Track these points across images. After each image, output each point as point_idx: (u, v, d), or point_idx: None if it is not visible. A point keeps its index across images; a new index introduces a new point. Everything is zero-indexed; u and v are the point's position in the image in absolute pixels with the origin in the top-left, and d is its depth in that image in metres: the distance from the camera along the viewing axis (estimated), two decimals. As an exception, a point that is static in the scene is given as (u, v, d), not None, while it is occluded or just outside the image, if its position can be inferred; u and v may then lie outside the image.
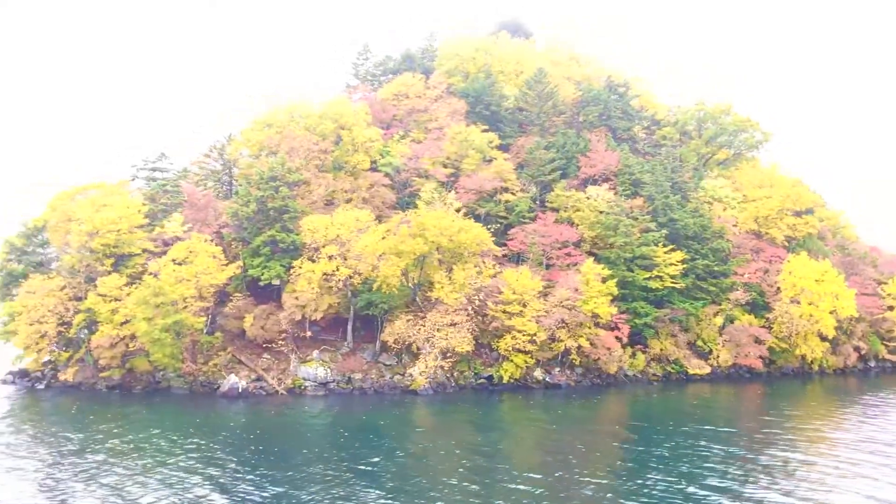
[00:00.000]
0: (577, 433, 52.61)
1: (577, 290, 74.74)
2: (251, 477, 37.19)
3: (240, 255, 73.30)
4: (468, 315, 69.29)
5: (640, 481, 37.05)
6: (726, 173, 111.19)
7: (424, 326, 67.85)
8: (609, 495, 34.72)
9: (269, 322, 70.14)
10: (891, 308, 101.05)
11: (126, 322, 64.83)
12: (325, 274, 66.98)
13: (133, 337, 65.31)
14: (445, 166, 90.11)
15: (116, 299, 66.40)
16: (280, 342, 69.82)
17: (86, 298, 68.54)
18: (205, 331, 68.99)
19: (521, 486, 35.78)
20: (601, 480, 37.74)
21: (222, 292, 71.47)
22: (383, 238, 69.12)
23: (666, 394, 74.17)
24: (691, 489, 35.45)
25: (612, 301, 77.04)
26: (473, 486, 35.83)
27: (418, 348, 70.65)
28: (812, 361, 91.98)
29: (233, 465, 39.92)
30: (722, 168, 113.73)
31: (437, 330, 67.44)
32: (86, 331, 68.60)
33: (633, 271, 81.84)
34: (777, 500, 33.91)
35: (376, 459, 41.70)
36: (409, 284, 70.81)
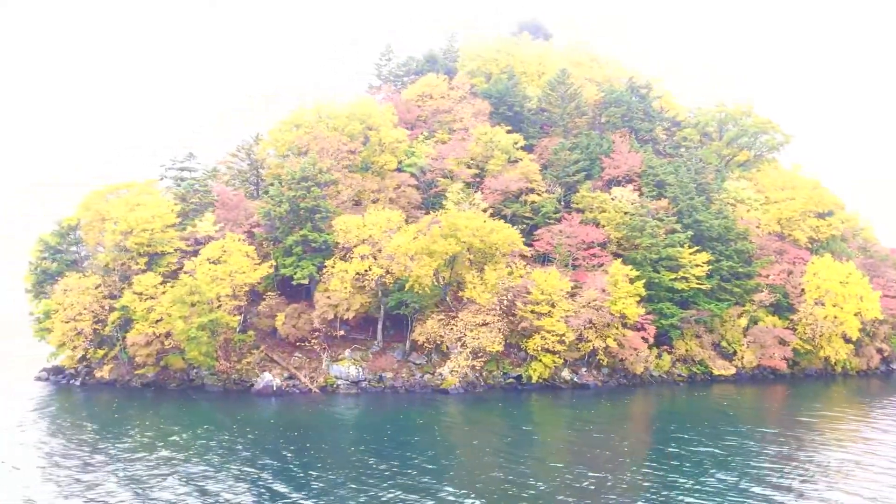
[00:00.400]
0: (618, 432, 53.03)
1: (604, 290, 75.15)
2: (313, 472, 37.82)
3: (271, 254, 73.81)
4: (498, 315, 69.61)
5: (701, 478, 37.57)
6: (747, 175, 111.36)
7: (457, 326, 68.18)
8: (674, 493, 35.13)
9: (301, 321, 70.70)
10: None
11: (161, 320, 65.34)
12: (357, 274, 67.39)
13: (168, 335, 65.89)
14: (470, 167, 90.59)
15: (151, 297, 66.96)
16: (314, 341, 70.31)
17: (121, 297, 69.18)
18: (237, 329, 69.46)
19: (583, 484, 36.22)
20: (658, 476, 38.16)
21: (253, 291, 72.02)
22: (414, 238, 69.56)
23: (694, 394, 74.44)
24: (755, 488, 35.90)
25: (639, 302, 77.36)
26: (532, 481, 36.27)
27: (448, 348, 71.17)
28: (835, 363, 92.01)
29: (294, 461, 40.61)
30: (743, 170, 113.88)
31: (470, 329, 67.82)
32: (119, 329, 69.10)
33: (658, 272, 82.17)
34: (842, 500, 34.27)
35: (431, 453, 42.22)
36: (440, 284, 71.17)
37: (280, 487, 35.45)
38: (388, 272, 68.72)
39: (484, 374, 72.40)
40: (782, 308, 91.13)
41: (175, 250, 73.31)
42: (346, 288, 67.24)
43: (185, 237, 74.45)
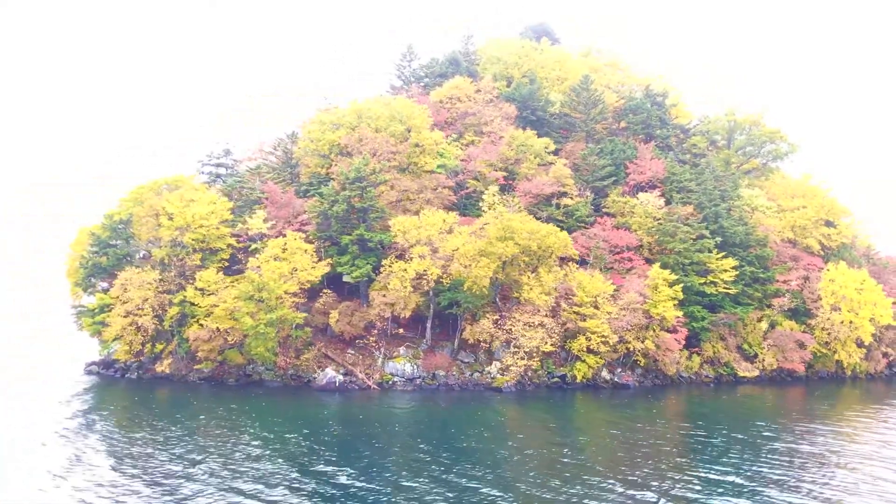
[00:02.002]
0: (685, 428, 55.34)
1: (642, 293, 77.64)
2: (419, 465, 39.37)
3: (321, 252, 74.68)
4: (550, 316, 71.67)
5: (788, 473, 40.00)
6: (756, 183, 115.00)
7: (515, 326, 70.01)
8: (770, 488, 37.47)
9: (354, 318, 71.91)
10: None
11: (226, 316, 66.15)
12: (417, 273, 68.88)
13: (228, 331, 66.65)
14: (499, 170, 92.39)
15: (212, 294, 67.64)
16: (372, 339, 71.78)
17: (177, 292, 69.78)
18: (293, 325, 70.44)
19: (675, 474, 38.40)
20: (749, 469, 40.53)
21: (309, 288, 73.02)
22: (469, 240, 71.28)
23: (728, 394, 77.62)
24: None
25: (675, 306, 79.96)
26: (612, 475, 38.36)
27: (498, 347, 73.05)
28: (847, 366, 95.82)
29: (395, 455, 42.08)
30: (751, 178, 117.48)
31: (526, 329, 69.73)
32: (177, 324, 69.68)
33: (688, 276, 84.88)
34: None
35: (514, 448, 44.03)
36: (495, 285, 72.98)
37: (398, 478, 36.96)
38: (446, 273, 70.25)
39: (529, 373, 74.35)
40: (799, 313, 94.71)
41: (227, 246, 74.04)
42: (406, 287, 68.66)
43: (236, 233, 75.14)
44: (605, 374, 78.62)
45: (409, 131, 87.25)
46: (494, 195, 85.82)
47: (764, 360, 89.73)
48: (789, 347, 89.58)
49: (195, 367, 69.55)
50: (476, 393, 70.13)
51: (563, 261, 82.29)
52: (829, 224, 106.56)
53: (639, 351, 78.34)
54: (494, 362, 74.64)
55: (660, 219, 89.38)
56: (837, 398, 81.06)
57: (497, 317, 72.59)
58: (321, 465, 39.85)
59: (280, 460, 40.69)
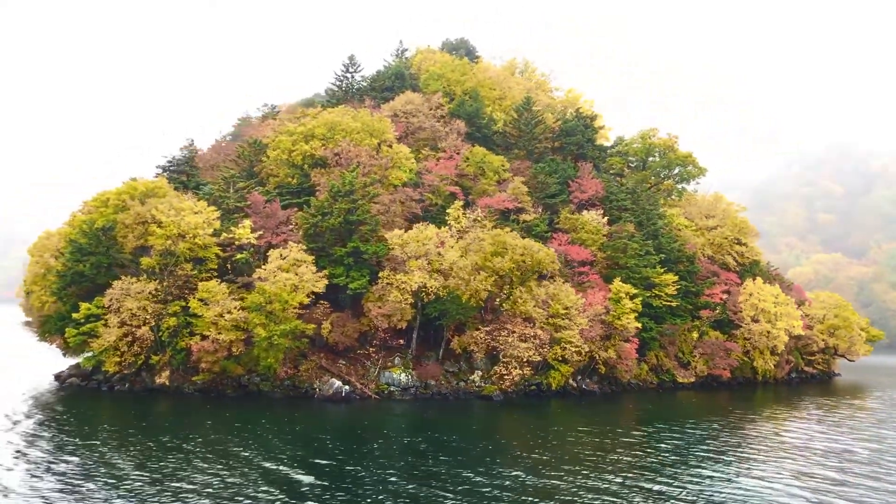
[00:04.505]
0: (690, 427, 60.98)
1: (605, 306, 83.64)
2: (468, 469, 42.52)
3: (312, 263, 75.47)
4: (540, 327, 76.02)
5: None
6: (671, 202, 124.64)
7: (510, 337, 73.77)
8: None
9: (347, 329, 73.38)
10: (810, 328, 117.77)
11: (234, 327, 66.09)
12: (418, 286, 71.36)
13: (232, 341, 66.52)
14: (454, 184, 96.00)
15: (213, 304, 67.19)
16: (371, 349, 73.54)
17: (172, 301, 68.83)
18: (298, 336, 70.91)
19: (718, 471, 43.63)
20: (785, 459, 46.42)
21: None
22: (462, 255, 74.55)
23: (671, 398, 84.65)
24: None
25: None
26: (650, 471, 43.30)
27: (482, 357, 76.68)
28: (762, 372, 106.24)
29: (441, 461, 44.85)
30: (664, 197, 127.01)
31: (520, 340, 73.73)
32: (172, 334, 68.67)
33: (637, 290, 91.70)
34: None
35: (545, 446, 48.01)
36: (487, 298, 76.60)
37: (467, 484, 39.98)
38: (443, 285, 73.07)
39: (514, 382, 78.34)
40: (723, 324, 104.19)
41: (214, 256, 73.52)
42: (406, 299, 70.99)
43: (220, 243, 74.64)
44: (570, 381, 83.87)
45: (380, 145, 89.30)
46: (459, 209, 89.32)
47: (696, 367, 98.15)
48: (718, 355, 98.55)
49: (192, 378, 68.76)
50: (468, 401, 73.41)
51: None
52: (739, 242, 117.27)
53: (601, 360, 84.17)
54: (476, 371, 78.17)
55: (607, 235, 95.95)
56: (759, 400, 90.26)
57: (489, 328, 76.09)
58: (439, 467, 41.56)
59: (392, 470, 42.09)
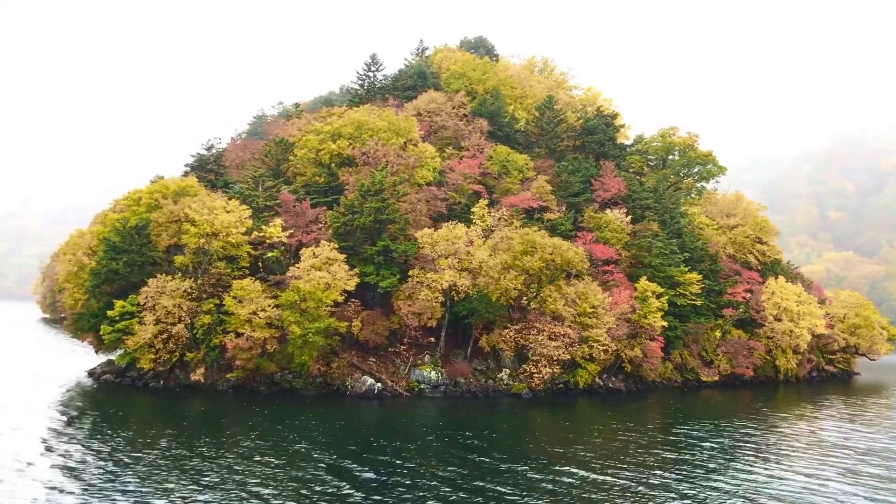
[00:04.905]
0: (726, 426, 61.22)
1: (632, 304, 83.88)
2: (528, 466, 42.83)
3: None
4: (570, 326, 76.30)
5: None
6: (692, 201, 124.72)
7: (540, 335, 74.08)
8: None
9: (377, 327, 73.78)
10: (831, 326, 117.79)
11: (269, 325, 66.55)
12: (449, 285, 71.71)
13: (266, 339, 66.93)
14: (478, 183, 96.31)
15: (248, 302, 67.61)
16: (403, 347, 73.97)
17: (206, 299, 69.34)
18: (332, 334, 71.27)
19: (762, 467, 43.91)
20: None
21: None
22: (491, 254, 74.88)
23: (710, 396, 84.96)
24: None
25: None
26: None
27: (510, 355, 77.02)
28: (784, 371, 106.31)
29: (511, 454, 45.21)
30: (684, 196, 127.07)
31: (551, 339, 74.05)
32: (207, 332, 69.16)
33: (663, 289, 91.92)
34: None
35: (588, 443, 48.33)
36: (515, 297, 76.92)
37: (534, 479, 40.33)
38: (474, 284, 73.43)
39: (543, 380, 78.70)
40: (746, 323, 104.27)
41: (246, 254, 73.99)
42: (436, 297, 71.38)
43: (251, 241, 75.05)
44: (597, 380, 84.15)
45: (406, 144, 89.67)
46: (484, 208, 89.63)
47: (719, 365, 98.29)
48: (741, 354, 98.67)
49: (226, 375, 69.26)
50: (498, 399, 73.81)
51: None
52: (760, 241, 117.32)
53: (627, 358, 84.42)
54: (504, 369, 78.53)
55: (630, 234, 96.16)
56: (784, 398, 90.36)
57: (518, 326, 76.38)
58: (491, 462, 41.86)
59: (459, 466, 42.48)
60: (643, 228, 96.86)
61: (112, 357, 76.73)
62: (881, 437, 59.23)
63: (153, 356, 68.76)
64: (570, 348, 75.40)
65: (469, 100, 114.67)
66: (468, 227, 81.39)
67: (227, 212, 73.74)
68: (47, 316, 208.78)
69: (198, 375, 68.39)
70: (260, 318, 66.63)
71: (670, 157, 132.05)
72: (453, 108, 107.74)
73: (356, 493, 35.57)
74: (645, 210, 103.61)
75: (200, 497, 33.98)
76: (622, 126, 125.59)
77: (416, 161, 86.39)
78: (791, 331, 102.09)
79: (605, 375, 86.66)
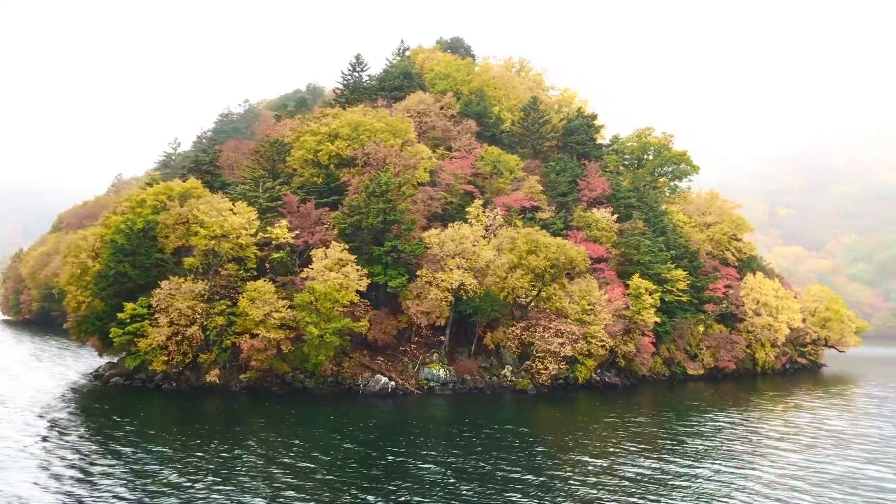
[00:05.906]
0: (735, 415, 63.86)
1: (625, 301, 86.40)
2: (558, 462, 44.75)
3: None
4: (572, 322, 78.34)
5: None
6: (666, 199, 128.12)
7: (547, 332, 75.94)
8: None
9: (386, 326, 74.89)
10: (803, 320, 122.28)
11: (283, 326, 67.16)
12: (457, 284, 73.11)
13: (281, 339, 67.48)
14: (468, 183, 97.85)
15: (262, 303, 68.04)
16: (413, 346, 75.15)
17: (219, 301, 69.57)
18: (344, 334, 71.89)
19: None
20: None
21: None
22: (496, 253, 76.54)
23: (698, 388, 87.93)
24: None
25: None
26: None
27: (514, 352, 78.83)
28: (762, 364, 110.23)
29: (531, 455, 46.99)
30: (660, 195, 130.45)
31: (556, 336, 75.99)
32: (219, 333, 69.37)
33: (652, 285, 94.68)
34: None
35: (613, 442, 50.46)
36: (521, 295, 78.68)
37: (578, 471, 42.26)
38: (481, 283, 74.95)
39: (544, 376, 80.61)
40: (726, 317, 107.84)
41: (253, 255, 74.31)
42: (445, 297, 72.74)
43: (257, 242, 75.35)
44: (594, 375, 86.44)
45: (403, 145, 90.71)
46: (478, 208, 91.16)
47: (703, 359, 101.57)
48: (723, 348, 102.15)
49: (239, 376, 69.60)
50: (504, 395, 75.56)
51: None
52: (736, 238, 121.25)
53: (622, 353, 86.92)
54: (506, 366, 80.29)
55: (617, 232, 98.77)
56: (767, 389, 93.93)
57: (523, 324, 78.16)
58: (519, 453, 43.43)
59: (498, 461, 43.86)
60: (631, 227, 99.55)
61: (113, 359, 76.34)
62: (885, 425, 62.54)
63: (166, 358, 68.72)
64: (575, 344, 77.40)
65: (455, 100, 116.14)
66: (469, 226, 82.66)
67: (235, 213, 73.98)
68: (9, 318, 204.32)
69: (212, 377, 68.57)
70: (274, 318, 67.18)
71: (645, 156, 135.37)
72: (441, 109, 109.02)
73: (388, 484, 36.82)
74: (629, 209, 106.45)
75: (286, 493, 34.93)
76: (602, 127, 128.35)
77: (416, 162, 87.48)
78: (770, 325, 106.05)
79: (600, 370, 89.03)
